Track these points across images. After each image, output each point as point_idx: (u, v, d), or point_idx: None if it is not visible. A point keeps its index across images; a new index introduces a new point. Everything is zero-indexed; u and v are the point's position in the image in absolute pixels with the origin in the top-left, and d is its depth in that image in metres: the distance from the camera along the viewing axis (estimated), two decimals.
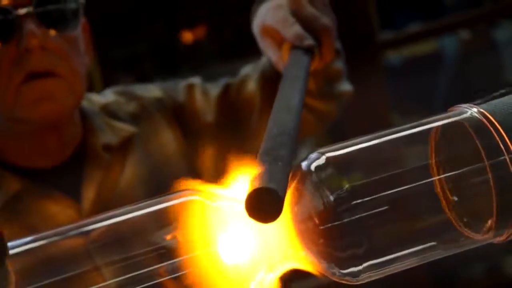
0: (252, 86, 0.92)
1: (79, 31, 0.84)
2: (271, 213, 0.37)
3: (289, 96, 0.56)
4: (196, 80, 0.97)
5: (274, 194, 0.37)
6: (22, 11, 0.77)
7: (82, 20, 0.85)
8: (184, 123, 0.94)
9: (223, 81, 0.96)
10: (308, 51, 0.74)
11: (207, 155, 0.92)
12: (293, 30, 0.76)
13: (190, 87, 0.95)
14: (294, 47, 0.75)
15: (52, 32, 0.80)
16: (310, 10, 0.78)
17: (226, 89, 0.95)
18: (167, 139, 0.92)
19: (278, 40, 0.78)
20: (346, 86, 0.91)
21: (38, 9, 0.78)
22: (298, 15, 0.78)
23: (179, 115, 0.94)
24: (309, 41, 0.75)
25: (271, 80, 0.86)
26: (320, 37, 0.77)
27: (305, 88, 0.62)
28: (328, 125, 0.96)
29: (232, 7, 2.74)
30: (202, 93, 0.95)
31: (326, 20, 0.79)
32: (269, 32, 0.80)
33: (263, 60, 0.91)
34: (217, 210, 0.40)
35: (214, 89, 0.95)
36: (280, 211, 0.37)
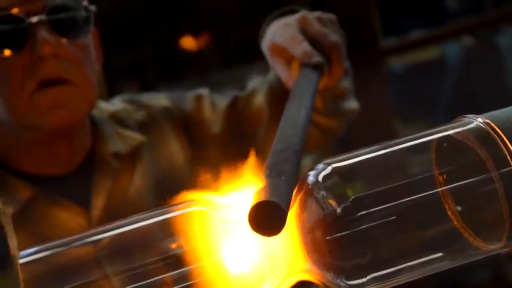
0: (260, 99, 0.93)
1: (90, 39, 0.84)
2: (274, 226, 0.37)
3: (295, 112, 0.57)
4: (204, 91, 0.97)
5: (277, 208, 0.37)
6: (34, 19, 0.78)
7: (92, 27, 0.86)
8: (191, 133, 0.94)
9: (231, 93, 0.97)
10: (317, 68, 0.75)
11: (213, 166, 0.93)
12: (301, 47, 0.76)
13: (198, 98, 0.96)
14: (303, 65, 0.75)
15: (64, 40, 0.80)
16: (318, 27, 0.79)
17: (234, 101, 0.95)
18: (174, 148, 0.93)
19: (287, 58, 0.79)
20: (352, 104, 0.91)
21: (50, 17, 0.79)
22: (306, 33, 0.78)
23: (186, 125, 0.95)
24: (317, 58, 0.75)
25: (279, 95, 0.87)
26: (329, 54, 0.78)
27: (312, 105, 0.62)
28: (333, 141, 0.96)
29: (235, 14, 2.75)
30: (210, 104, 0.95)
31: (335, 37, 0.79)
32: (278, 50, 0.80)
33: (271, 75, 0.92)
34: (222, 221, 0.40)
35: (222, 101, 0.96)
36: (283, 225, 0.37)
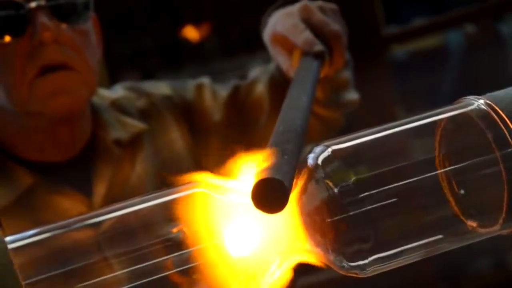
0: (261, 88, 0.93)
1: (90, 24, 0.84)
2: (277, 204, 0.37)
3: (297, 97, 0.57)
4: (205, 80, 0.97)
5: (280, 185, 0.37)
6: (34, 4, 0.77)
7: (92, 13, 0.85)
8: (192, 122, 0.94)
9: (232, 82, 0.97)
10: (318, 57, 0.75)
11: (214, 154, 0.93)
12: (303, 36, 0.76)
13: (200, 87, 0.96)
14: (304, 54, 0.75)
15: (64, 25, 0.80)
16: (320, 17, 0.79)
17: (235, 90, 0.95)
18: (175, 137, 0.93)
19: (289, 47, 0.79)
20: (353, 95, 0.91)
21: (50, 2, 0.78)
22: (308, 22, 0.79)
23: (188, 114, 0.95)
24: (319, 47, 0.75)
25: (280, 84, 0.87)
26: (330, 43, 0.78)
27: (314, 91, 0.63)
28: (334, 132, 0.96)
29: (236, 3, 2.74)
30: (211, 93, 0.95)
31: (336, 26, 0.80)
32: (279, 39, 0.81)
33: (272, 64, 0.92)
34: (223, 202, 0.40)
35: (223, 90, 0.96)
36: (286, 202, 0.37)
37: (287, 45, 0.79)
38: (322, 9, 0.81)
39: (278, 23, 0.81)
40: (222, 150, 0.93)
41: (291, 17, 0.80)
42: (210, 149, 0.94)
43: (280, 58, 0.82)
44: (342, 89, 0.90)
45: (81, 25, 0.82)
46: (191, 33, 2.80)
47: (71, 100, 0.81)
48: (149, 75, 2.62)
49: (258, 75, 0.95)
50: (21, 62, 0.79)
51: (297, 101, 0.56)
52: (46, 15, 0.78)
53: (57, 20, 0.79)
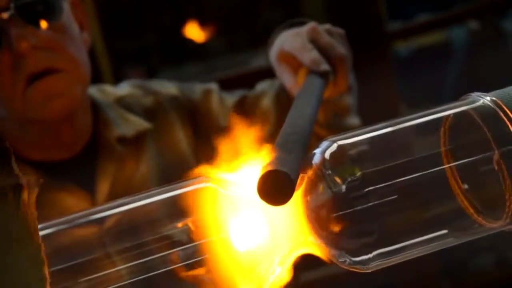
0: (267, 102, 0.94)
1: (66, 16, 0.82)
2: (282, 196, 0.37)
3: (303, 107, 0.58)
4: (213, 85, 0.98)
5: (286, 177, 0.37)
6: (4, 15, 0.75)
7: None
8: (197, 124, 0.95)
9: (239, 92, 0.97)
10: (324, 76, 0.76)
11: (217, 157, 0.93)
12: (310, 55, 0.77)
13: (207, 91, 0.96)
14: (310, 73, 0.76)
15: (40, 28, 0.78)
16: (327, 39, 0.80)
17: (243, 100, 0.96)
18: (180, 137, 0.93)
19: (295, 66, 0.80)
20: (354, 121, 0.92)
21: (19, 10, 0.76)
22: (315, 43, 0.80)
23: (193, 115, 0.95)
24: (325, 66, 0.76)
25: (286, 102, 0.88)
26: (336, 65, 0.79)
27: (319, 105, 0.63)
28: None
29: (239, 1, 2.74)
30: (219, 98, 0.96)
31: (342, 49, 0.81)
32: (286, 57, 0.81)
33: (279, 81, 0.92)
34: (230, 197, 0.40)
35: (231, 98, 0.96)
36: (291, 194, 0.37)
37: (293, 64, 0.80)
38: (329, 32, 0.82)
39: (286, 42, 0.82)
40: (226, 153, 0.93)
41: (299, 37, 0.81)
42: (214, 152, 0.94)
43: (285, 76, 0.83)
44: (343, 113, 0.91)
45: (57, 21, 0.80)
46: (194, 30, 2.80)
47: (66, 102, 0.80)
48: (152, 71, 2.62)
49: (265, 89, 0.96)
50: (7, 75, 0.78)
51: (302, 110, 0.57)
52: (18, 24, 0.76)
53: (32, 26, 0.77)
